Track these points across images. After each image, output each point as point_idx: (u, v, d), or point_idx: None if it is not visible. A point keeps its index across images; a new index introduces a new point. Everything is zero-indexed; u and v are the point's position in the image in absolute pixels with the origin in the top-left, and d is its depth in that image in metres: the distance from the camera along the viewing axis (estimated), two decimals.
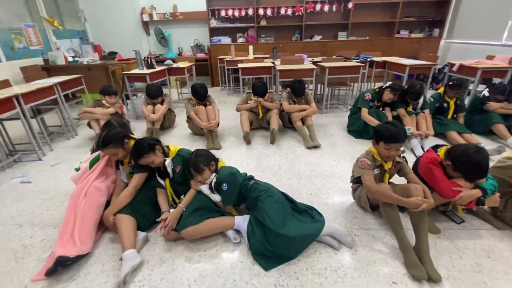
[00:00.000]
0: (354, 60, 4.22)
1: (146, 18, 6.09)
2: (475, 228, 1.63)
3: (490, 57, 3.68)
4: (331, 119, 3.76)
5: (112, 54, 5.46)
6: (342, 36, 5.95)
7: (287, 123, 3.27)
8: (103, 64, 4.68)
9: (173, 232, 1.54)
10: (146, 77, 3.71)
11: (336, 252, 1.48)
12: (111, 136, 1.64)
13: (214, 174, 1.65)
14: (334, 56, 4.62)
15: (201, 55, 6.07)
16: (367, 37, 5.90)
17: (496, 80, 3.70)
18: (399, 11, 5.58)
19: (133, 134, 1.86)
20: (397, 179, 1.75)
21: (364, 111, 2.89)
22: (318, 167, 2.43)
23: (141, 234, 1.56)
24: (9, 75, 3.87)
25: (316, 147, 2.81)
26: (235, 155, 2.71)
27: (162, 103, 3.32)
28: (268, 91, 3.17)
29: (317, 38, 6.03)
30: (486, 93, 2.94)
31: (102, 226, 1.66)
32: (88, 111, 3.01)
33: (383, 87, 2.92)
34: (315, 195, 2.02)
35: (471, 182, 1.47)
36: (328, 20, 5.90)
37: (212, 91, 5.82)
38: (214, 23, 5.99)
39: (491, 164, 1.67)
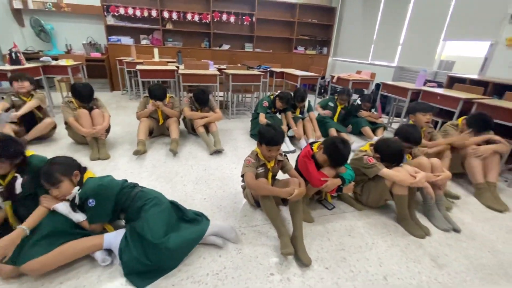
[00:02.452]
0: (256, 70, 4.50)
1: (18, 5, 4.97)
2: (342, 212, 1.90)
3: (359, 72, 4.57)
4: (236, 124, 3.86)
5: None
6: (248, 47, 6.30)
7: (190, 130, 3.16)
8: None
9: (7, 267, 1.16)
10: (6, 74, 2.94)
11: (221, 254, 1.45)
12: None
13: (77, 188, 1.35)
14: (239, 65, 4.81)
15: (96, 55, 5.34)
16: (271, 50, 6.44)
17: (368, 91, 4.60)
18: (295, 29, 6.32)
19: None
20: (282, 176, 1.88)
21: (262, 116, 3.07)
22: (217, 171, 2.41)
23: None
24: None
25: (219, 151, 2.80)
26: (125, 165, 2.41)
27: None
28: (169, 95, 3.00)
29: (226, 47, 6.20)
30: (359, 101, 3.63)
31: None
32: None
33: (275, 96, 3.19)
34: (209, 199, 1.97)
35: (335, 167, 1.69)
36: (235, 31, 6.16)
37: (111, 96, 5.19)
38: (111, 20, 5.38)
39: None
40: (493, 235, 1.78)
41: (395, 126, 3.99)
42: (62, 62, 3.73)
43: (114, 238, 1.35)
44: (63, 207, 1.32)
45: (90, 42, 5.49)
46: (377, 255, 1.53)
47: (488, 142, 2.30)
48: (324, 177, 1.66)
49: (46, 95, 3.41)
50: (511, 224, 1.91)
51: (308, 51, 6.69)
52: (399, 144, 1.77)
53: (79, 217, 1.34)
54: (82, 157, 2.43)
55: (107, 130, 2.75)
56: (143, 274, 1.26)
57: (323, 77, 6.27)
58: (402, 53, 4.77)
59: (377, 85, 4.70)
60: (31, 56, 4.74)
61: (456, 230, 1.77)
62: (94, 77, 5.49)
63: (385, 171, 1.69)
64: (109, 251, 1.36)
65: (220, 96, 4.59)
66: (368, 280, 1.36)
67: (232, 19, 5.86)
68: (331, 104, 3.50)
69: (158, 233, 1.29)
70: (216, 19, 5.78)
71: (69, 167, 1.38)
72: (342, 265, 1.44)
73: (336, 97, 3.52)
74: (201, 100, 2.93)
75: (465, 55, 4.00)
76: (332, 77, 4.46)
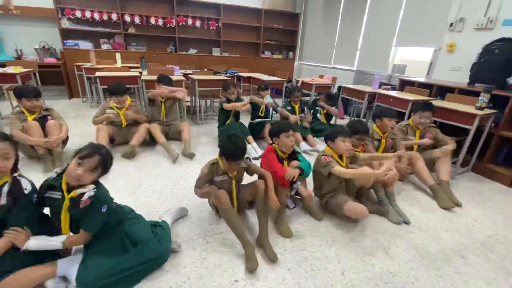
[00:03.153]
0: (223, 75, 4.52)
1: None
2: (304, 212, 1.98)
3: (321, 76, 4.80)
4: (205, 129, 3.85)
5: None
6: (216, 52, 6.30)
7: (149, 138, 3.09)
8: None
9: None
10: None
11: (185, 265, 1.45)
12: None
13: (92, 186, 1.23)
14: (206, 70, 4.80)
15: (51, 60, 4.99)
16: (238, 55, 6.49)
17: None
18: (261, 34, 6.44)
19: None
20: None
21: (226, 105, 3.11)
22: (183, 179, 2.38)
23: None
24: None
25: (190, 157, 2.79)
26: None
27: None
28: (132, 100, 2.93)
29: (193, 51, 6.13)
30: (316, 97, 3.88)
31: None
32: None
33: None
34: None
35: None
36: (202, 35, 6.12)
37: (70, 104, 4.88)
38: (67, 24, 5.07)
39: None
40: (438, 224, 1.97)
41: None
42: (10, 69, 3.44)
43: (69, 263, 1.27)
44: (36, 243, 1.19)
45: (44, 46, 5.12)
46: (336, 252, 1.62)
47: (434, 146, 2.54)
48: (284, 170, 1.74)
49: None
50: (454, 213, 2.13)
51: (275, 56, 6.85)
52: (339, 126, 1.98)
53: (59, 239, 1.23)
54: (34, 173, 2.27)
55: (64, 142, 2.60)
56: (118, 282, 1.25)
57: (290, 81, 6.45)
58: (360, 57, 5.09)
59: (339, 88, 4.96)
60: None
61: (406, 222, 1.94)
62: (49, 84, 5.13)
63: (337, 168, 1.77)
64: (64, 278, 1.28)
65: (187, 101, 4.53)
66: (327, 277, 1.44)
67: (197, 23, 5.82)
68: (288, 107, 3.61)
69: (142, 235, 1.36)
70: (181, 24, 5.70)
71: (111, 164, 1.30)
72: (303, 264, 1.51)
73: (289, 99, 3.65)
74: (165, 80, 3.01)
75: (416, 59, 4.38)
76: (297, 81, 4.64)
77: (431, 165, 2.45)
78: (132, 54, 5.50)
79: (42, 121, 2.45)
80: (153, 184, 2.26)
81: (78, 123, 3.74)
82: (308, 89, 4.35)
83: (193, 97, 4.42)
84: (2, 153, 1.15)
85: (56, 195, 1.23)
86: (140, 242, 1.34)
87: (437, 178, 2.37)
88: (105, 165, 1.25)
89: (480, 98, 2.52)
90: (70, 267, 1.26)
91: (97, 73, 3.56)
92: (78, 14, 4.99)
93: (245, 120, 3.52)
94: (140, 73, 3.96)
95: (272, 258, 1.47)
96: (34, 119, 2.42)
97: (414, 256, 1.63)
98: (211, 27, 5.95)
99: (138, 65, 4.96)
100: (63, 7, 4.89)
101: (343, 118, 4.42)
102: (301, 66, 7.09)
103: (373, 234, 1.81)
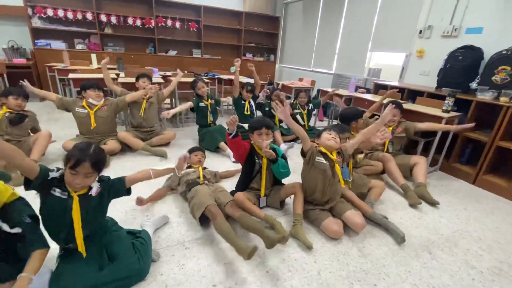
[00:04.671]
0: (204, 77, 4.50)
1: None
2: (283, 214, 2.03)
3: (301, 79, 4.91)
4: (185, 133, 3.81)
5: None
6: (197, 53, 6.25)
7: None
8: None
9: None
10: None
11: (163, 273, 1.44)
12: None
13: (98, 183, 1.30)
14: (186, 72, 4.75)
15: (20, 61, 4.73)
16: (220, 57, 6.48)
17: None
18: (242, 36, 6.47)
19: None
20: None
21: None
22: (161, 185, 2.34)
23: None
24: None
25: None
26: None
27: None
28: (106, 98, 2.87)
29: (173, 53, 6.05)
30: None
31: None
32: None
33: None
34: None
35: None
36: (182, 37, 6.06)
37: (42, 106, 4.65)
38: (38, 22, 4.85)
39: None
40: (408, 222, 2.08)
41: None
42: None
43: (37, 279, 1.22)
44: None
45: (13, 46, 4.85)
46: (313, 253, 1.67)
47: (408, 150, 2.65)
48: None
49: None
50: (423, 210, 2.26)
51: (256, 58, 6.91)
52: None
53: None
54: None
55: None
56: None
57: (271, 83, 6.53)
58: (338, 61, 5.26)
59: (318, 91, 5.09)
60: None
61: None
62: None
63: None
64: None
65: (167, 104, 4.47)
66: (304, 277, 1.48)
67: (177, 24, 5.75)
68: (266, 108, 3.66)
69: (122, 249, 1.34)
70: (160, 25, 5.61)
71: (104, 160, 1.30)
72: (281, 266, 1.54)
73: (270, 99, 3.67)
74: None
75: (390, 63, 4.58)
76: (278, 84, 4.72)
77: (407, 170, 2.59)
78: (109, 55, 5.32)
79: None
80: None
81: (51, 128, 3.56)
82: (288, 91, 4.44)
83: (173, 100, 4.37)
84: None
85: (63, 194, 1.21)
86: (119, 257, 1.31)
87: (415, 182, 2.49)
88: (98, 165, 1.21)
89: (446, 101, 2.70)
90: (37, 282, 1.21)
91: (71, 75, 3.43)
92: (50, 12, 4.78)
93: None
94: (117, 75, 3.85)
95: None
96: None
97: (386, 254, 1.72)
98: (192, 28, 5.91)
99: (115, 66, 4.83)
100: (34, 5, 4.67)
101: (322, 120, 4.55)
102: (282, 68, 7.20)
103: (348, 234, 1.88)
